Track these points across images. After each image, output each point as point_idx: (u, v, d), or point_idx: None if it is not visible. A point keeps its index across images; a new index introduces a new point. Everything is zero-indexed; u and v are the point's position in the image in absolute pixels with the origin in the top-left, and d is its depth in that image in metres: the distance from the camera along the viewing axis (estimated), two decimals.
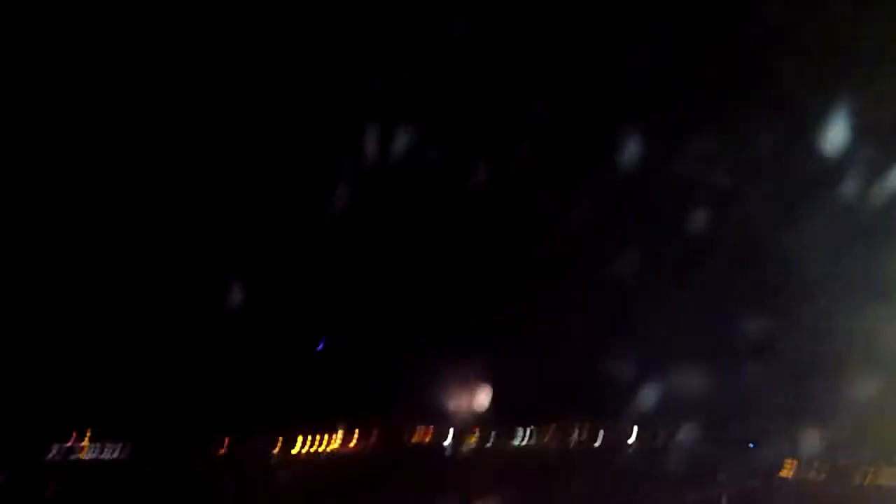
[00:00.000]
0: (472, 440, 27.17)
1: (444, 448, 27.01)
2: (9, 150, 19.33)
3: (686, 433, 26.29)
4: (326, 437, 27.01)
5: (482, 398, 26.24)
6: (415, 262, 23.18)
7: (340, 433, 27.09)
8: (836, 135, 16.82)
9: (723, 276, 20.23)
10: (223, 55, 19.47)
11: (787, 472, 25.93)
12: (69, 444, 24.24)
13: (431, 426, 27.44)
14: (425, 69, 18.62)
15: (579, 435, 28.05)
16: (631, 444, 27.85)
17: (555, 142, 20.18)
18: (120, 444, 24.52)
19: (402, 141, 19.03)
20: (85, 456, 24.39)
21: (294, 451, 26.33)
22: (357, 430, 27.18)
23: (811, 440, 23.47)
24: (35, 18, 18.73)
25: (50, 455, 24.10)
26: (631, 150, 18.16)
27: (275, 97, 20.36)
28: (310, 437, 26.75)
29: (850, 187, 17.58)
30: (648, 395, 21.69)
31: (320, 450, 26.60)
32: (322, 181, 20.82)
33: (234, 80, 19.92)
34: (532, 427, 28.17)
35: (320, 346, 25.84)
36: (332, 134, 20.48)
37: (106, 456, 24.52)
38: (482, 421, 26.95)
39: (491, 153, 19.57)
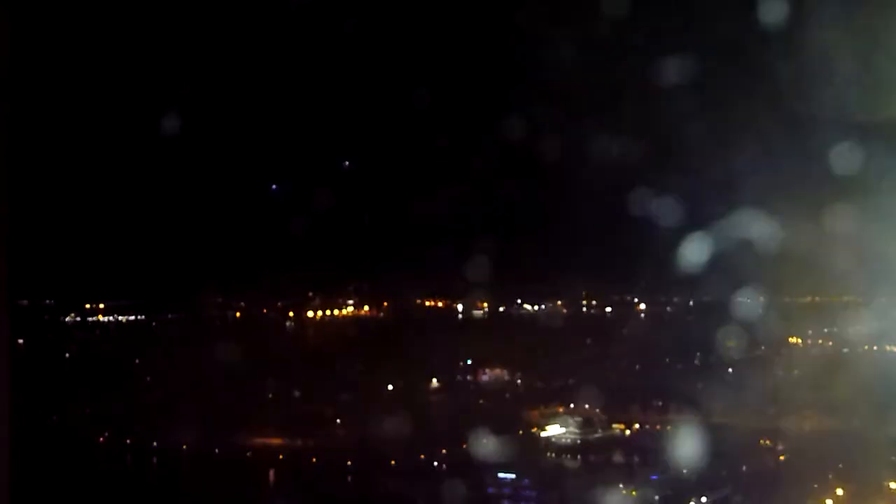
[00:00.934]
0: (482, 307, 27.43)
1: (456, 312, 27.32)
2: None
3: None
4: (339, 306, 27.31)
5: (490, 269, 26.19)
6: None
7: (352, 302, 27.38)
8: None
9: None
10: None
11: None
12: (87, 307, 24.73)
13: (441, 297, 27.67)
14: None
15: (588, 304, 28.15)
16: (640, 312, 28.05)
17: None
18: (134, 309, 24.95)
19: None
20: (102, 318, 24.90)
21: (309, 315, 26.79)
22: (369, 301, 27.46)
23: None
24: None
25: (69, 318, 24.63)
26: None
27: None
28: (322, 306, 27.08)
29: None
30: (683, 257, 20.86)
31: (336, 313, 26.99)
32: None
33: None
34: (542, 298, 28.21)
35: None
36: None
37: (122, 318, 25.02)
38: (492, 291, 27.08)
39: None
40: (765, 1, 15.57)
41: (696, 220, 19.48)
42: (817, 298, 26.40)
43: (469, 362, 26.12)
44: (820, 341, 26.72)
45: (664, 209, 19.20)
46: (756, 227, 19.68)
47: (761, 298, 26.53)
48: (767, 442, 23.84)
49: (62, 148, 21.98)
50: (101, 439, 23.04)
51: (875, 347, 25.14)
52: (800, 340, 27.05)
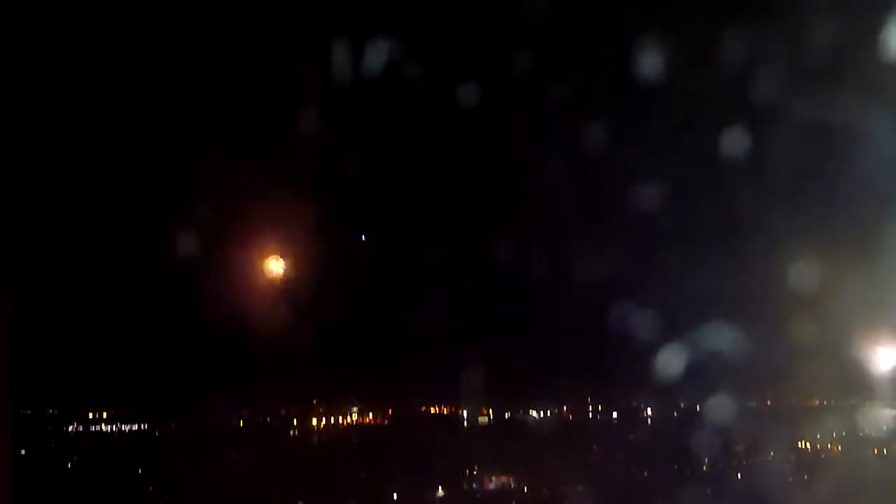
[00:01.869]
0: (486, 413, 27.22)
1: (460, 419, 27.10)
2: None
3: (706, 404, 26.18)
4: (342, 413, 27.17)
5: (493, 377, 26.22)
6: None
7: (356, 410, 27.24)
8: None
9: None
10: None
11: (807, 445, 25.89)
12: (90, 416, 24.54)
13: (445, 404, 27.55)
14: None
15: (594, 409, 28.01)
16: (647, 417, 27.83)
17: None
18: (138, 417, 24.78)
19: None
20: (105, 428, 24.69)
21: (313, 424, 26.54)
22: (372, 409, 27.33)
23: None
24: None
25: (72, 427, 24.41)
26: None
27: None
28: (326, 414, 26.93)
29: None
30: (665, 366, 21.41)
31: (339, 422, 26.78)
32: None
33: None
34: (546, 403, 28.12)
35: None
36: None
37: (125, 427, 24.79)
38: (495, 398, 26.99)
39: None
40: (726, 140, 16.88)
41: (702, 325, 19.93)
42: (825, 402, 26.25)
43: (475, 470, 25.75)
44: (829, 445, 26.37)
45: (670, 315, 19.71)
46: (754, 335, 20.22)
47: (770, 402, 26.57)
48: None
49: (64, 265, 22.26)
50: None
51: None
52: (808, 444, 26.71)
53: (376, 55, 17.92)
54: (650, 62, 16.91)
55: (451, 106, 18.84)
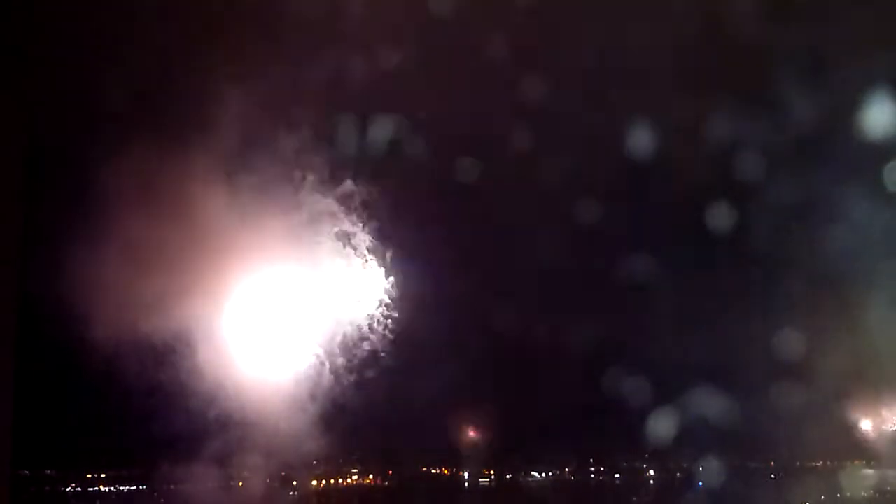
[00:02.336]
0: (487, 474, 27.13)
1: (461, 480, 27.00)
2: None
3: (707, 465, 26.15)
4: (342, 475, 27.10)
5: (495, 437, 26.26)
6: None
7: (356, 471, 27.18)
8: None
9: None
10: None
11: None
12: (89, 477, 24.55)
13: (446, 465, 27.48)
14: None
15: (595, 471, 27.90)
16: (650, 478, 27.71)
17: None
18: (137, 479, 24.77)
19: None
20: (105, 488, 24.66)
21: (313, 485, 26.45)
22: (372, 470, 27.28)
23: None
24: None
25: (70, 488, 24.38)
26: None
27: None
28: (326, 476, 26.88)
29: None
30: (666, 427, 21.57)
31: (339, 484, 26.68)
32: None
33: None
34: (548, 465, 28.04)
35: None
36: None
37: (124, 488, 24.77)
38: (497, 459, 26.94)
39: None
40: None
41: (699, 390, 20.26)
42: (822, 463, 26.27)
43: None
44: None
45: (666, 381, 20.04)
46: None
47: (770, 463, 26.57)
48: None
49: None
50: None
51: None
52: None
53: (378, 129, 18.61)
54: (640, 140, 17.57)
55: (449, 179, 19.53)
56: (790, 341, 18.53)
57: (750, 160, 17.33)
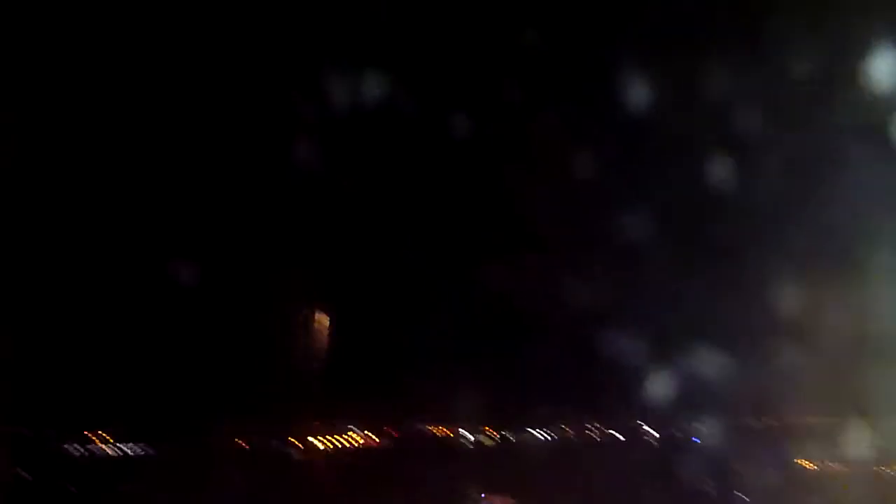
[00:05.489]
0: (488, 433, 27.29)
1: (462, 441, 27.16)
2: None
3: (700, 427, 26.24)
4: (343, 434, 27.27)
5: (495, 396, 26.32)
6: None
7: (356, 431, 27.34)
8: None
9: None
10: None
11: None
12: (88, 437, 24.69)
13: (446, 425, 27.63)
14: None
15: (593, 430, 28.07)
16: (648, 437, 27.86)
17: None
18: (138, 438, 24.90)
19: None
20: (104, 451, 24.79)
21: (313, 447, 26.63)
22: (375, 430, 27.44)
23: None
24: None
25: (70, 450, 24.50)
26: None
27: None
28: (327, 435, 27.02)
29: None
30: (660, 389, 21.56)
31: (340, 444, 26.85)
32: None
33: None
34: (548, 424, 28.20)
35: None
36: None
37: (126, 451, 24.89)
38: (498, 419, 27.08)
39: None
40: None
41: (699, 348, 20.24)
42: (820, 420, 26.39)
43: (474, 491, 25.71)
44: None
45: (665, 339, 19.97)
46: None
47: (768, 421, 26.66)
48: None
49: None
50: None
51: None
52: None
53: (371, 87, 18.29)
54: (639, 94, 17.23)
55: (444, 136, 19.30)
56: (790, 297, 18.37)
57: (752, 110, 16.99)
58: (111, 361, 23.31)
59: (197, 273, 21.95)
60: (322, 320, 27.06)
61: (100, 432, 24.88)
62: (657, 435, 27.69)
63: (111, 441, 25.08)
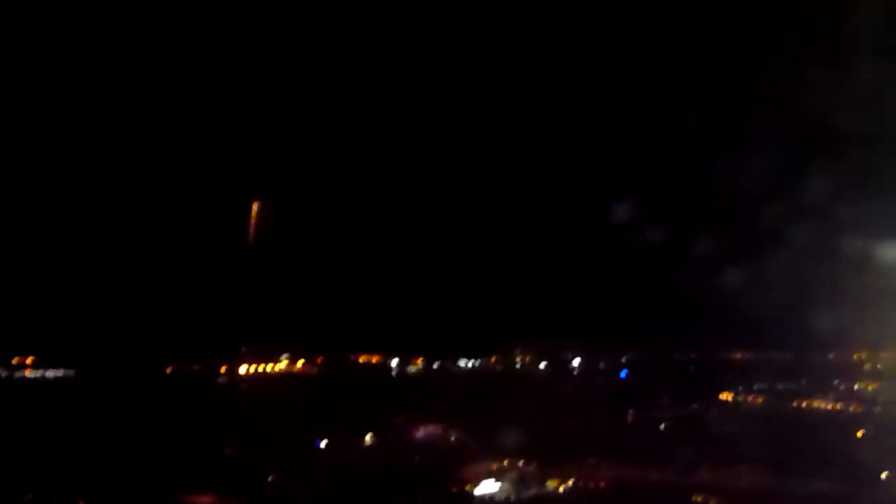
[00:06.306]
0: (416, 363, 27.66)
1: (390, 369, 27.49)
2: None
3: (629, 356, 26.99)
4: (271, 361, 27.30)
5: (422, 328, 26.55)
6: None
7: (285, 358, 27.39)
8: None
9: None
10: None
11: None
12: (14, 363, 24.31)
13: (376, 353, 27.87)
14: None
15: (522, 360, 28.61)
16: (574, 368, 28.60)
17: None
18: (64, 363, 24.59)
19: None
20: (31, 375, 24.42)
21: (241, 371, 26.65)
22: (302, 357, 27.53)
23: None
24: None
25: None
26: None
27: None
28: (255, 361, 27.03)
29: None
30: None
31: (268, 370, 26.91)
32: None
33: None
34: (475, 354, 28.62)
35: None
36: None
37: (51, 374, 24.57)
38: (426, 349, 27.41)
39: None
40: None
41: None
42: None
43: (403, 418, 26.16)
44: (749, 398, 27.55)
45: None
46: None
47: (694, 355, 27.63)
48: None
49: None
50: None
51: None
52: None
53: None
54: None
55: None
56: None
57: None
58: (39, 289, 22.83)
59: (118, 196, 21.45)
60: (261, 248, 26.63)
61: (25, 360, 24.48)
62: (584, 365, 28.41)
63: (37, 366, 24.73)
